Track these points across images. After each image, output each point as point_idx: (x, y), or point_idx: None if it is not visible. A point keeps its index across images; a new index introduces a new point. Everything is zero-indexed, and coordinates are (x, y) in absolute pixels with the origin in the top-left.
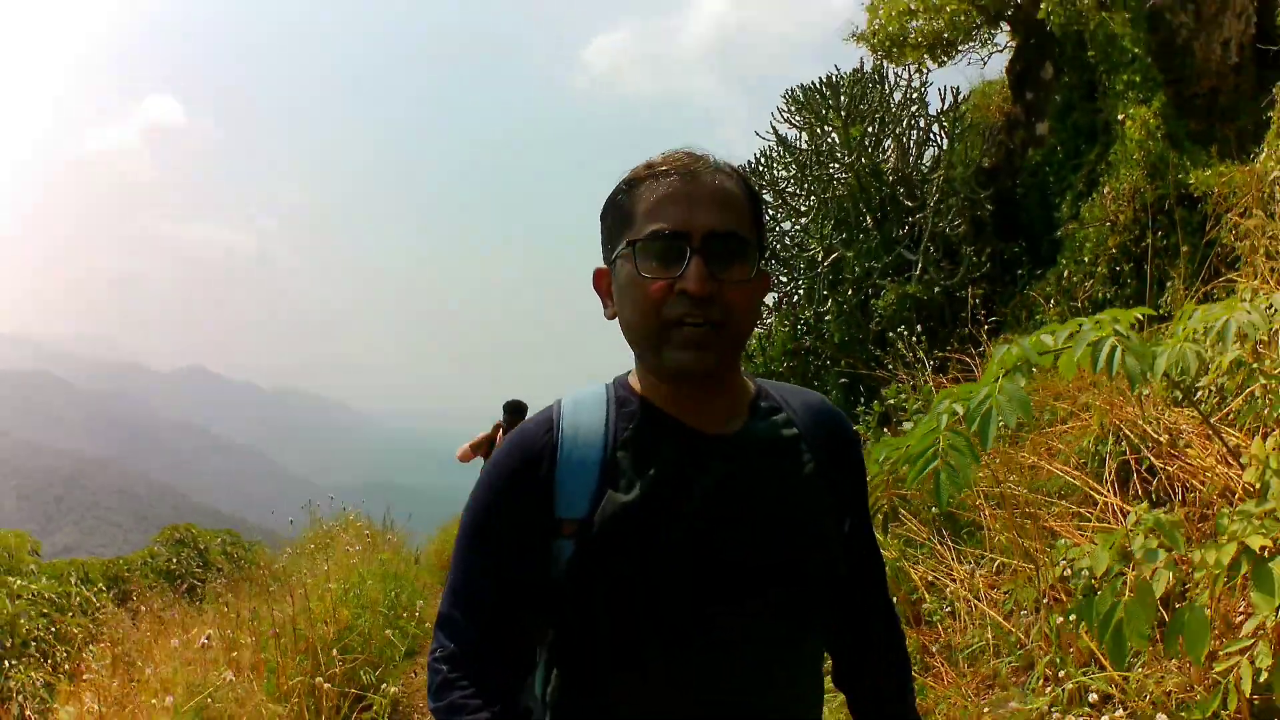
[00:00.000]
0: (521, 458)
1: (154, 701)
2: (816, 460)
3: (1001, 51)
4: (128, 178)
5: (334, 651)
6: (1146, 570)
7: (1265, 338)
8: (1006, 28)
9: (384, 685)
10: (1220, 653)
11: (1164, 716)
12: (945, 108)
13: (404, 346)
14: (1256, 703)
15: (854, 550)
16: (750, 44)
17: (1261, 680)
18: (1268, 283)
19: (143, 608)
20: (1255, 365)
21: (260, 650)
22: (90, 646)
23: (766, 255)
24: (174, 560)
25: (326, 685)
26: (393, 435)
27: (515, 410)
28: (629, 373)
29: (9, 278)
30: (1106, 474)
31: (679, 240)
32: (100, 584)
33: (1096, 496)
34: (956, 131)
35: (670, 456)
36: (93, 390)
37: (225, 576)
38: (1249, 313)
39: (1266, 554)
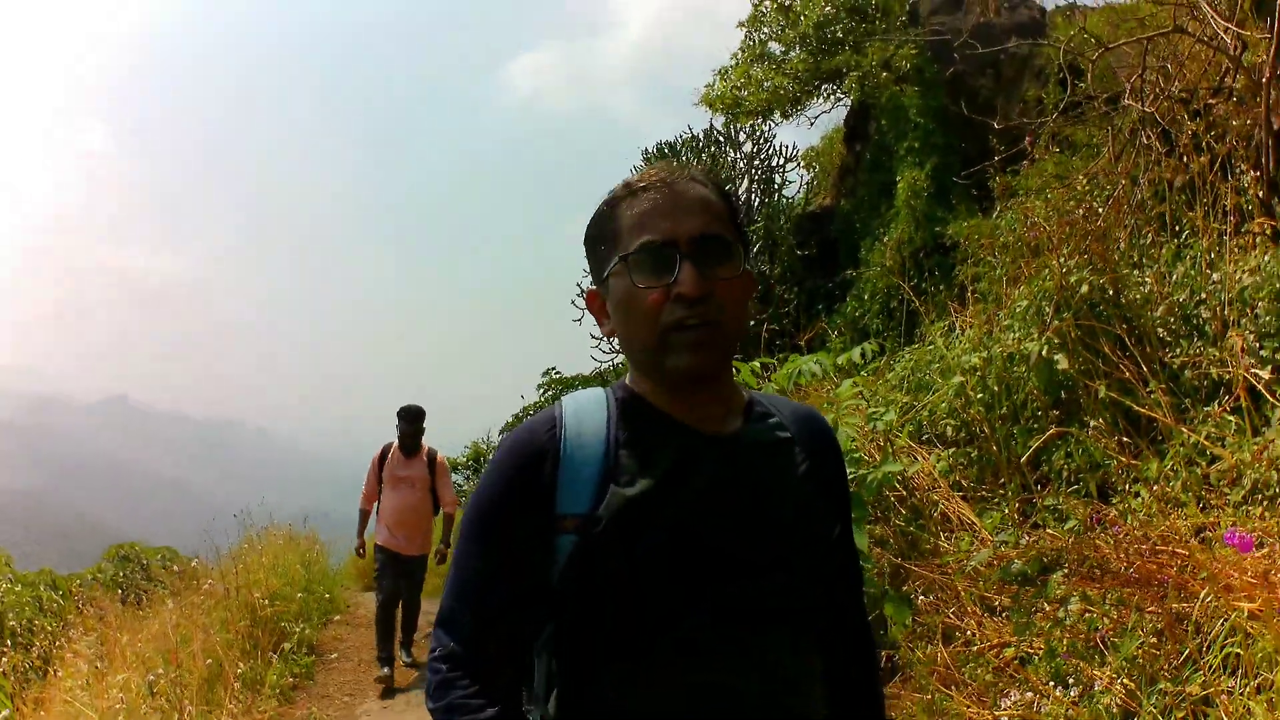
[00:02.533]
0: (525, 454)
1: (131, 656)
2: (808, 464)
3: (844, 106)
4: (56, 207)
5: (266, 606)
6: None
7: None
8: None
9: (301, 628)
10: None
11: None
12: (779, 163)
13: (337, 373)
14: None
15: (839, 555)
16: (673, 59)
17: None
18: (976, 315)
19: (102, 611)
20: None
21: (212, 611)
22: (67, 635)
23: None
24: (121, 574)
25: (258, 631)
26: (326, 464)
27: (413, 416)
28: (624, 379)
29: None
30: None
31: (668, 249)
32: (65, 590)
33: None
34: (776, 185)
35: (671, 454)
36: (16, 425)
37: (167, 587)
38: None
39: None
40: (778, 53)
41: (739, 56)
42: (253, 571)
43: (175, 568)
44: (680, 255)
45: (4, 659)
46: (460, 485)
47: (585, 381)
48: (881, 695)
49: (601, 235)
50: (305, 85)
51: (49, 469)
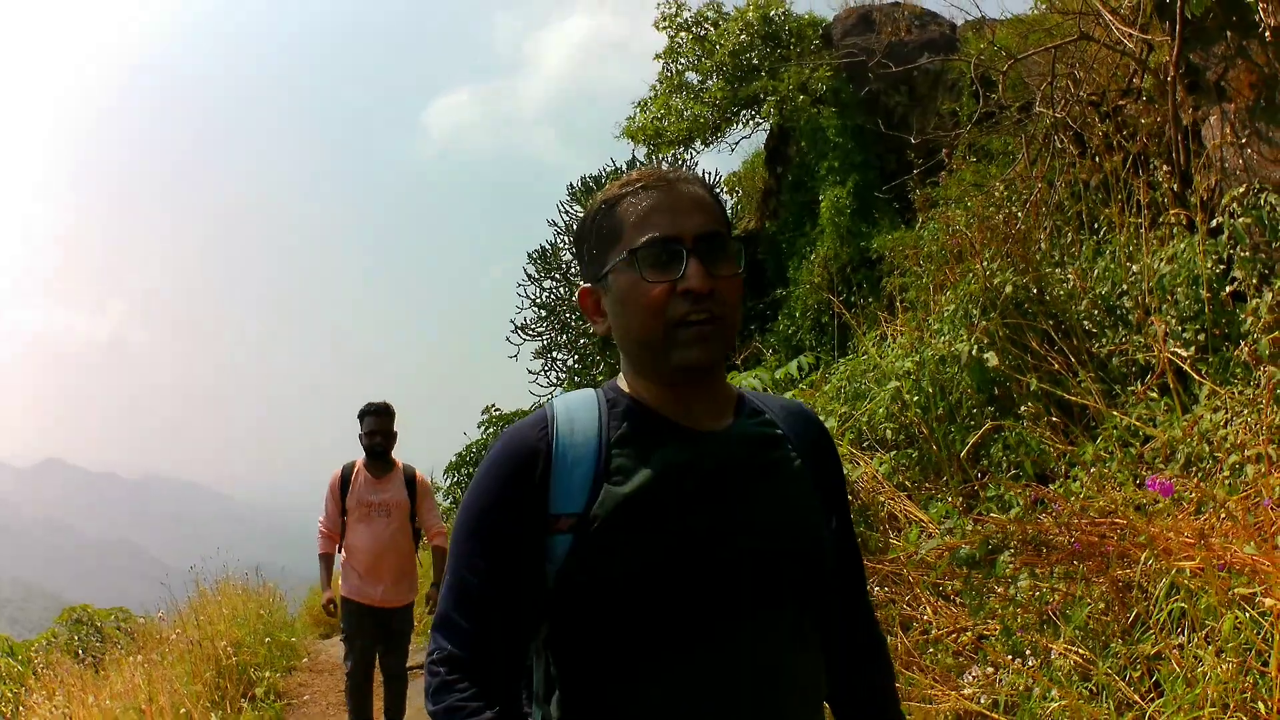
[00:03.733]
0: (517, 454)
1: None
2: (801, 458)
3: (764, 131)
4: None
5: (231, 655)
6: None
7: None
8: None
9: (269, 674)
10: None
11: None
12: None
13: (266, 425)
14: None
15: (839, 547)
16: (590, 95)
17: None
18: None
19: (61, 675)
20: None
21: (176, 665)
22: (29, 700)
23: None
24: (75, 638)
25: (224, 681)
26: (263, 515)
27: (380, 411)
28: (616, 379)
29: None
30: None
31: (674, 244)
32: (22, 656)
33: None
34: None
35: (664, 452)
36: None
37: (124, 647)
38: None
39: None
40: (695, 82)
41: (658, 88)
42: (214, 623)
43: (130, 627)
44: (686, 251)
45: None
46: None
47: (525, 414)
48: (893, 684)
49: (599, 233)
50: (224, 142)
51: None
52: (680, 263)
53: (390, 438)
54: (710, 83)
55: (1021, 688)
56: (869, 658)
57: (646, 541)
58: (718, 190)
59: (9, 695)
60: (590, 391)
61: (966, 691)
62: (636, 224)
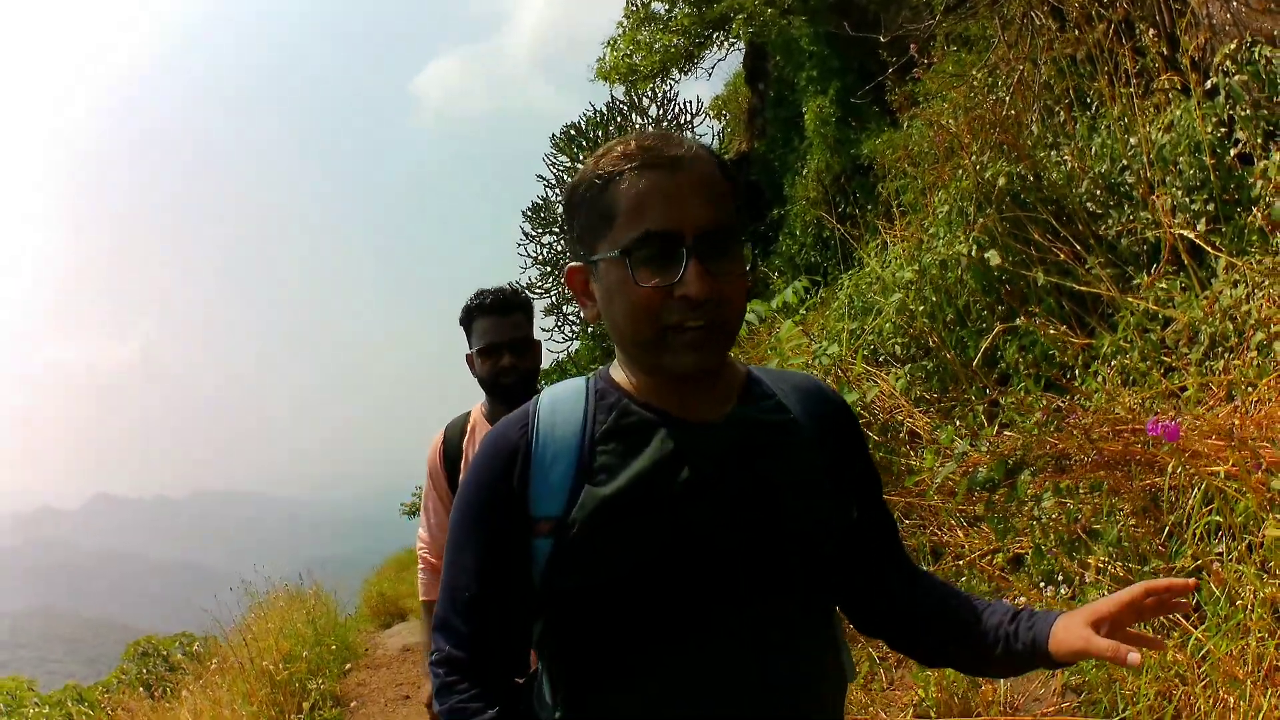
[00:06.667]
0: (496, 455)
1: None
2: (810, 442)
3: (739, 51)
4: None
5: (282, 670)
6: None
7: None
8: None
9: (319, 683)
10: None
11: None
12: (686, 119)
13: (302, 421)
14: None
15: (871, 527)
16: (574, 41)
17: None
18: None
19: (131, 714)
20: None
21: (233, 687)
22: None
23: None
24: (143, 671)
25: (279, 696)
26: (313, 510)
27: (506, 305)
28: (611, 365)
29: None
30: None
31: (672, 242)
32: (91, 700)
33: None
34: (695, 137)
35: (652, 447)
36: (11, 547)
37: (190, 673)
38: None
39: None
40: (662, 12)
41: (625, 24)
42: (261, 639)
43: (194, 651)
44: (686, 250)
45: None
46: None
47: (550, 376)
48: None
49: (591, 210)
50: (224, 149)
51: (51, 581)
52: (678, 264)
53: (528, 354)
54: (677, 10)
55: None
56: (913, 583)
57: (631, 544)
58: (728, 163)
59: None
60: (580, 381)
61: None
62: (631, 212)
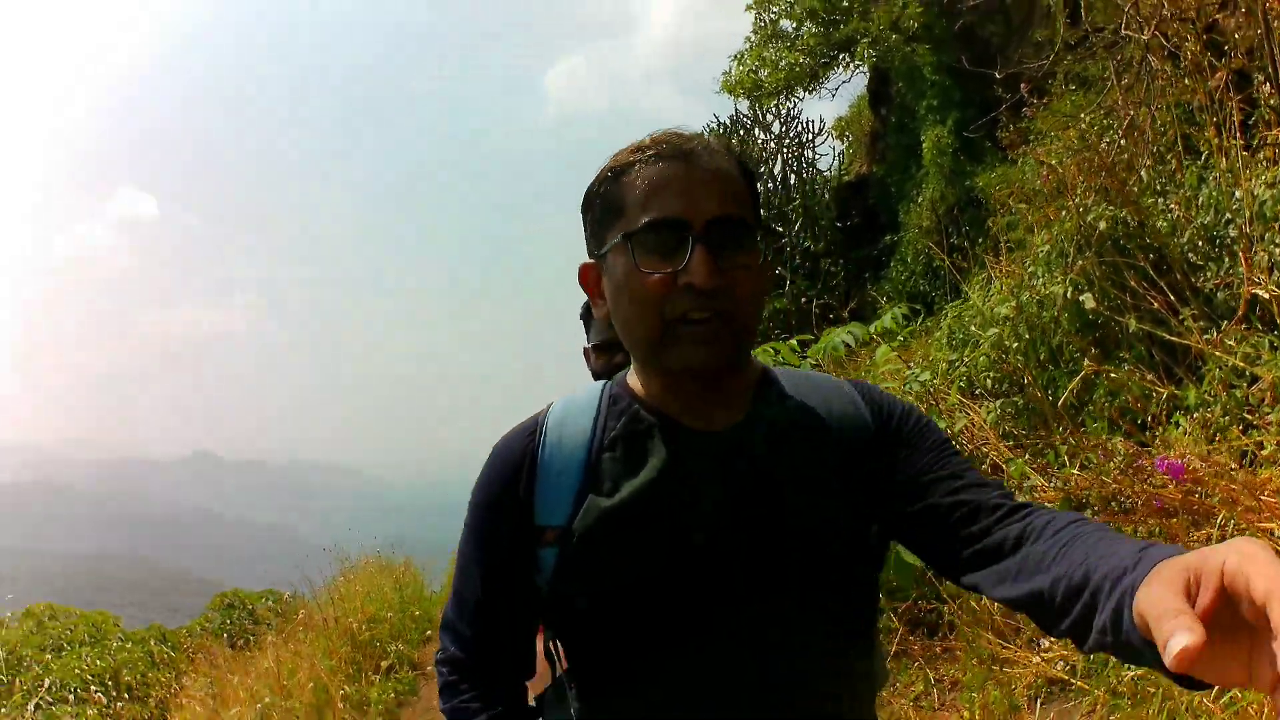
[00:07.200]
0: (502, 463)
1: (244, 694)
2: (822, 440)
3: (863, 73)
4: (105, 273)
5: (364, 631)
6: None
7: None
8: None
9: (398, 647)
10: None
11: None
12: (808, 138)
13: (402, 404)
14: None
15: (950, 505)
16: (702, 48)
17: None
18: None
19: (212, 657)
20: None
21: (315, 642)
22: (180, 683)
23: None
24: (227, 621)
25: (359, 655)
26: (405, 492)
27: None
28: (629, 370)
29: None
30: None
31: (679, 230)
32: (174, 642)
33: None
34: (809, 160)
35: (657, 457)
36: (95, 491)
37: (274, 627)
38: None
39: None
40: (790, 30)
41: (752, 39)
42: (348, 600)
43: (280, 608)
44: (693, 238)
45: (124, 713)
46: None
47: None
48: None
49: (602, 205)
50: (345, 127)
51: (141, 531)
52: (684, 251)
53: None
54: (804, 29)
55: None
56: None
57: (632, 556)
58: (746, 163)
59: (162, 680)
60: (596, 388)
61: (1046, 656)
62: (641, 200)
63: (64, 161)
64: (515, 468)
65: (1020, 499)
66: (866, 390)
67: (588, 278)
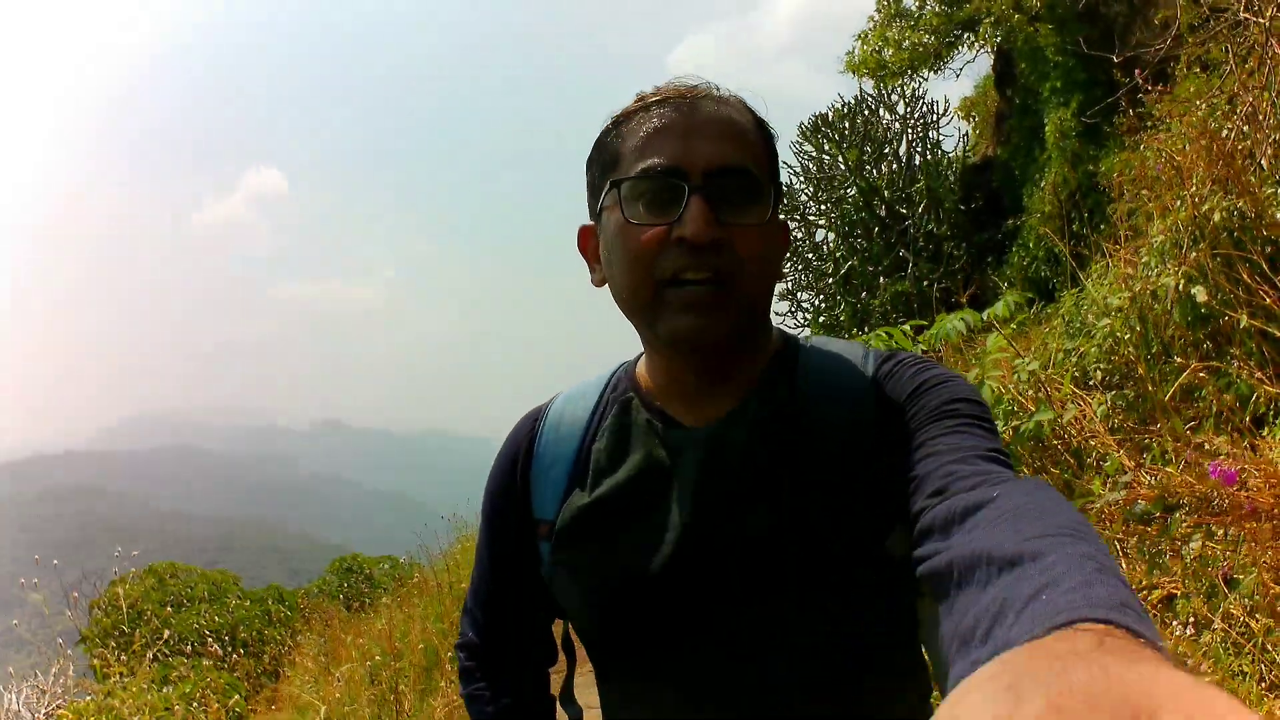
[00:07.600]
0: (508, 454)
1: (355, 652)
2: (822, 447)
3: (988, 53)
4: (243, 248)
5: None
6: None
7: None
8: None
9: None
10: None
11: None
12: (933, 119)
13: (532, 377)
14: None
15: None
16: (833, 23)
17: None
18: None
19: (327, 617)
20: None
21: (428, 606)
22: (295, 641)
23: (785, 203)
24: (344, 584)
25: None
26: None
27: None
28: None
29: (141, 358)
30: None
31: (675, 178)
32: (292, 602)
33: None
34: (933, 141)
35: (638, 454)
36: (233, 456)
37: (389, 593)
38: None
39: None
40: (913, 9)
41: (876, 19)
42: (464, 567)
43: (398, 573)
44: (689, 188)
45: (238, 666)
46: None
47: None
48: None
49: (600, 158)
50: (472, 106)
51: (269, 494)
52: (679, 202)
53: None
54: (927, 8)
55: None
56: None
57: (611, 556)
58: (762, 118)
59: (277, 637)
60: (607, 371)
61: None
62: (637, 148)
63: (184, 139)
64: (515, 457)
65: (1114, 493)
66: (883, 364)
67: (584, 242)
